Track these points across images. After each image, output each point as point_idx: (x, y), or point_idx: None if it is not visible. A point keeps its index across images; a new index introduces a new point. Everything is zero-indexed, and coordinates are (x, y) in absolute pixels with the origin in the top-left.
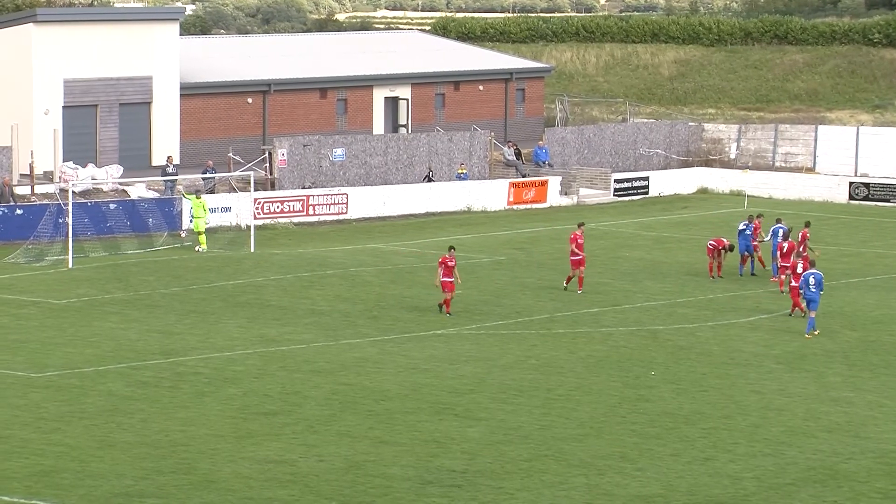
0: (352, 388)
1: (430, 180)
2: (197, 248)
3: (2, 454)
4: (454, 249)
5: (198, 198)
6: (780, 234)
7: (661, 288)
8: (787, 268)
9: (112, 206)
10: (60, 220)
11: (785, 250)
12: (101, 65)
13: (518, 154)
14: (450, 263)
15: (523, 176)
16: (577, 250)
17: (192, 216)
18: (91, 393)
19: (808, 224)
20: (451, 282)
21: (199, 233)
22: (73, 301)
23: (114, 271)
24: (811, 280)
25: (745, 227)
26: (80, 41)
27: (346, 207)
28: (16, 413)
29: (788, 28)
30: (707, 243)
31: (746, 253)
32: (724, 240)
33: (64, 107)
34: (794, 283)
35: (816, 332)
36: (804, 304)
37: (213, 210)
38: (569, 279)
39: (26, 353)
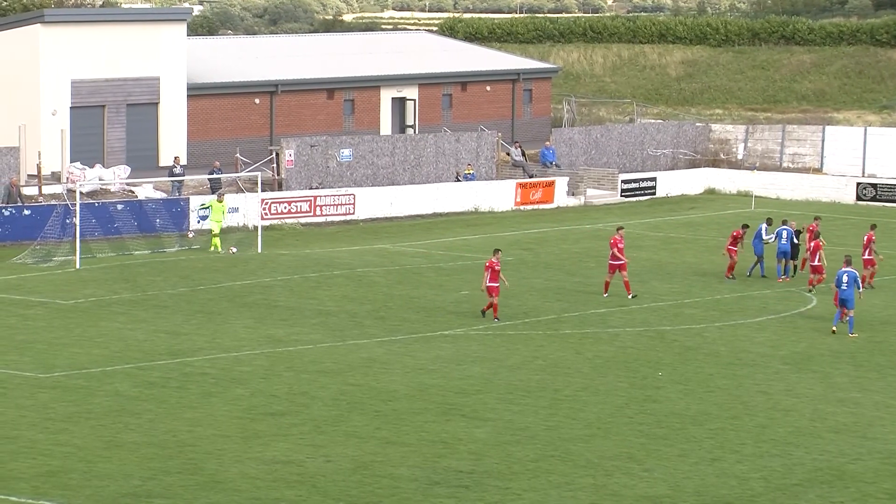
0: (359, 389)
1: (458, 180)
2: (211, 250)
3: (9, 454)
4: (500, 252)
5: (219, 200)
6: (784, 235)
7: (669, 288)
8: (816, 268)
9: (119, 206)
10: (68, 221)
11: (811, 249)
12: (108, 65)
13: (522, 154)
14: (496, 267)
15: (530, 176)
16: (618, 254)
17: (210, 218)
18: (98, 393)
19: (873, 227)
20: (497, 286)
21: (215, 235)
22: (81, 301)
23: (121, 272)
24: (844, 278)
25: (761, 230)
26: (88, 42)
27: (354, 208)
28: (23, 413)
29: (796, 28)
30: (727, 246)
31: (759, 255)
32: (738, 230)
33: (71, 107)
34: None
35: (833, 327)
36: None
37: (204, 208)
38: (607, 285)
39: (34, 353)
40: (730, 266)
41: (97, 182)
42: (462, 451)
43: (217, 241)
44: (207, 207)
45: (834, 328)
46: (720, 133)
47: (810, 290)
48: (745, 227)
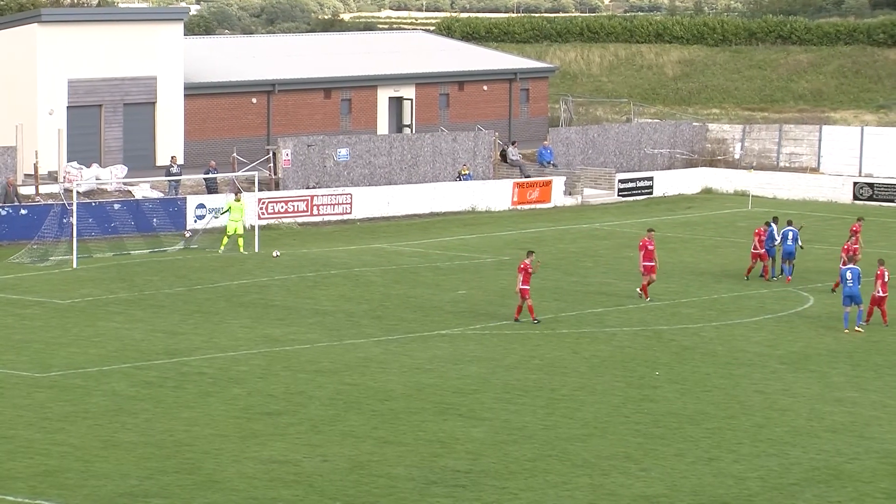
0: (356, 388)
1: (460, 178)
2: (243, 251)
3: (6, 454)
4: (534, 254)
5: (237, 199)
6: (791, 236)
7: (665, 288)
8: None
9: (116, 206)
10: (65, 220)
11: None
12: (105, 65)
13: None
14: (530, 270)
15: (526, 177)
16: (645, 257)
17: (229, 218)
18: (95, 393)
19: None
20: (528, 288)
21: (237, 235)
22: (78, 301)
23: (118, 271)
24: (848, 275)
25: (773, 231)
26: (85, 41)
27: (351, 207)
28: (20, 413)
29: (793, 28)
30: (752, 250)
31: (773, 256)
32: (761, 228)
33: (68, 107)
34: (880, 293)
35: (846, 328)
36: (842, 302)
37: (218, 210)
38: (643, 287)
39: (31, 353)
40: (757, 268)
41: (94, 182)
42: (459, 450)
43: (224, 240)
44: (226, 210)
45: (847, 329)
46: (717, 133)
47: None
48: (768, 224)
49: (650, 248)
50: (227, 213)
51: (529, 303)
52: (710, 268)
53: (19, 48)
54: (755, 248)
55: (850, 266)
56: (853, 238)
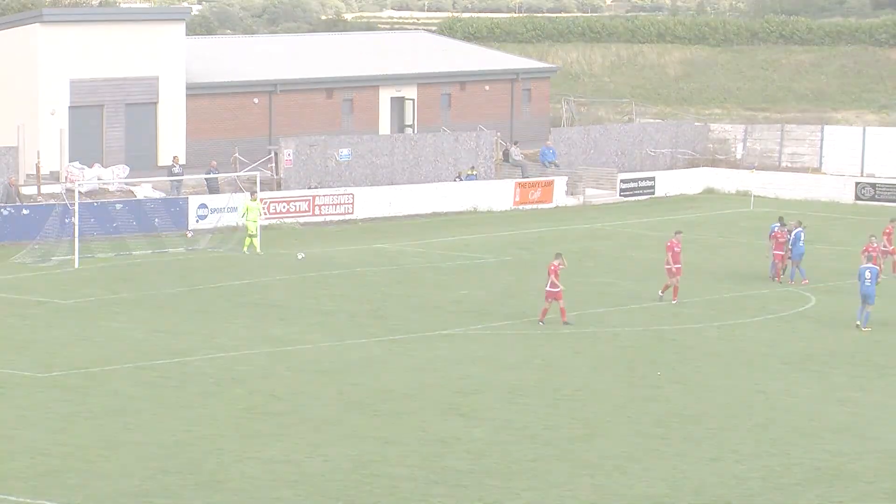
0: (358, 389)
1: (459, 178)
2: (246, 250)
3: (8, 454)
4: (563, 256)
5: (253, 199)
6: (802, 237)
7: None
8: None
9: (118, 205)
10: (67, 220)
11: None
12: (107, 65)
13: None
14: (559, 270)
15: (525, 177)
16: (672, 259)
17: (246, 218)
18: (97, 393)
19: None
20: (556, 291)
21: (251, 235)
22: (80, 301)
23: (120, 271)
24: (867, 274)
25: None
26: (86, 41)
27: (352, 207)
28: (22, 413)
29: (795, 28)
30: (772, 250)
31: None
32: (775, 228)
33: (70, 107)
34: None
35: (858, 321)
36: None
37: (219, 210)
38: (665, 287)
39: (33, 353)
40: (777, 270)
41: (96, 181)
42: (461, 450)
43: (254, 241)
44: (245, 213)
45: (858, 323)
46: (719, 133)
47: None
48: (783, 225)
49: (676, 250)
50: (246, 214)
51: (546, 306)
52: (712, 268)
53: (21, 48)
54: (777, 248)
55: (869, 266)
56: (884, 239)
